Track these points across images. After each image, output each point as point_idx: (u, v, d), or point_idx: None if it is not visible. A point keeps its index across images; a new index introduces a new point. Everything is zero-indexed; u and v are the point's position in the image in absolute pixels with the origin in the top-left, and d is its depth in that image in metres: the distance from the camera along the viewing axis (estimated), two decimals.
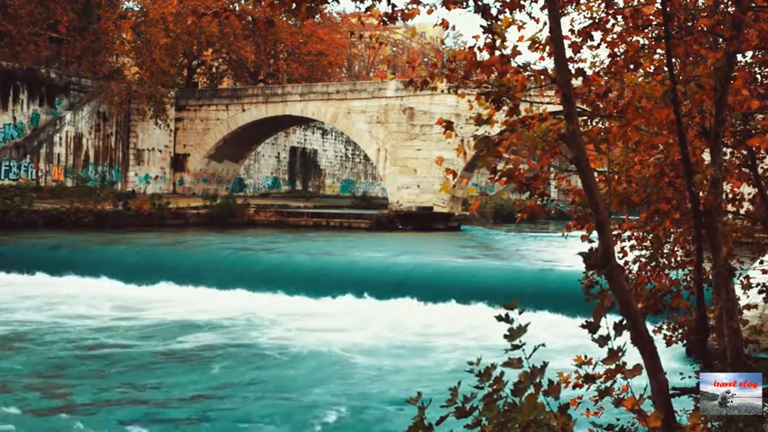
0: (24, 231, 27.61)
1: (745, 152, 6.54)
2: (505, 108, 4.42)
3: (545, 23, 3.90)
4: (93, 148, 39.90)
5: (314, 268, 20.64)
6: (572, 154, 3.58)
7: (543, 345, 3.26)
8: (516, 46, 4.26)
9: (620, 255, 6.92)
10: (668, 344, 7.02)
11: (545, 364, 3.06)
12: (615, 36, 5.55)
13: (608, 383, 3.58)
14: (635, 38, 5.50)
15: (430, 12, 4.59)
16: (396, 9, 4.26)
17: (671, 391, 3.75)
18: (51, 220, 30.31)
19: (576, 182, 5.00)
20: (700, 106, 4.92)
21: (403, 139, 38.68)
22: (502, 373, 3.10)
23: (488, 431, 3.02)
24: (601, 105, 5.22)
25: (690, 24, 5.07)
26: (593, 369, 3.58)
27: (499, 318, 3.17)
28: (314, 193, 58.19)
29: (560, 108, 3.60)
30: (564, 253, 24.62)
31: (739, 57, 5.64)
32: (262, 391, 11.30)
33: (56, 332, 14.75)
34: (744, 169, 6.72)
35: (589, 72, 5.30)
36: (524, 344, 3.14)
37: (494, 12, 4.18)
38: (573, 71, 4.53)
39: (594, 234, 4.52)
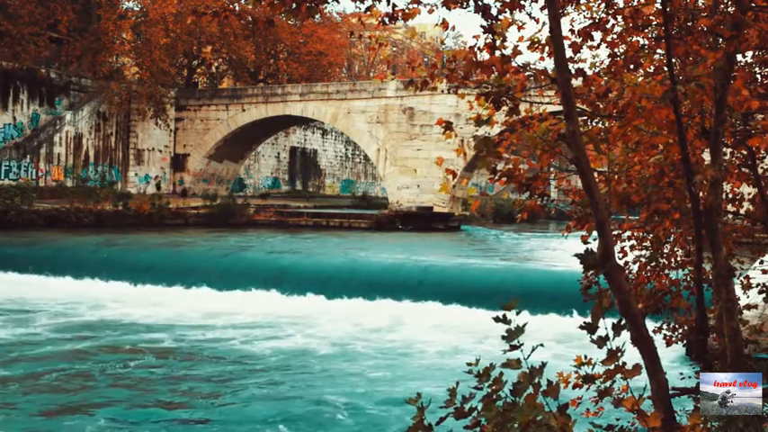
0: (25, 231, 27.60)
1: (745, 152, 6.54)
2: (505, 108, 4.41)
3: (545, 23, 3.90)
4: (93, 148, 39.88)
5: (315, 269, 20.65)
6: (572, 154, 3.58)
7: (542, 345, 3.25)
8: (516, 46, 4.25)
9: (620, 255, 6.91)
10: (668, 344, 7.02)
11: (544, 365, 3.06)
12: (615, 36, 5.54)
13: (608, 384, 3.57)
14: (635, 38, 5.49)
15: (431, 11, 4.58)
16: (396, 9, 4.26)
17: (671, 392, 3.74)
18: (51, 220, 30.32)
19: (576, 182, 5.00)
20: (700, 106, 4.92)
21: (403, 139, 38.68)
22: (501, 374, 3.10)
23: (488, 431, 3.02)
24: (601, 105, 5.21)
25: (690, 24, 5.06)
26: (593, 369, 3.58)
27: (497, 319, 3.16)
28: (314, 193, 58.19)
29: (560, 108, 3.59)
30: (564, 253, 24.61)
31: (739, 57, 5.63)
32: (260, 391, 11.30)
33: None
34: (744, 169, 6.72)
35: (589, 72, 5.29)
36: (523, 344, 3.14)
37: (494, 12, 4.18)
38: (573, 71, 4.52)
39: (593, 235, 4.51)
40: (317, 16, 6.77)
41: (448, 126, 4.46)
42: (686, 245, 6.92)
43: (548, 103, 5.48)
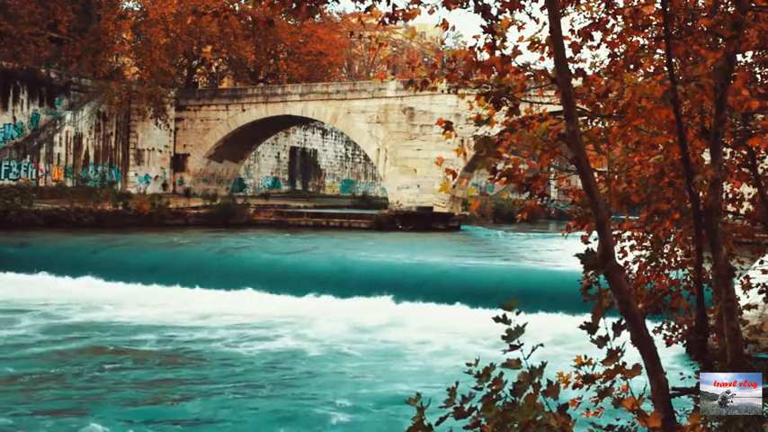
0: (25, 231, 27.60)
1: (745, 152, 6.53)
2: (505, 108, 4.41)
3: (545, 23, 3.90)
4: (93, 148, 39.88)
5: (314, 269, 20.65)
6: (572, 154, 3.58)
7: (542, 345, 3.25)
8: (516, 46, 4.25)
9: (620, 255, 6.91)
10: (668, 344, 7.02)
11: (543, 365, 3.06)
12: (615, 36, 5.54)
13: (608, 384, 3.57)
14: (635, 38, 5.49)
15: (431, 12, 4.58)
16: (396, 9, 4.25)
17: (671, 392, 3.74)
18: (51, 220, 30.33)
19: (576, 182, 5.00)
20: (700, 106, 4.91)
21: (403, 139, 38.68)
22: (501, 374, 3.10)
23: (488, 431, 3.02)
24: (601, 105, 5.21)
25: (690, 24, 5.06)
26: (593, 369, 3.58)
27: (497, 319, 3.16)
28: (314, 193, 58.18)
29: (560, 108, 3.59)
30: (564, 253, 24.61)
31: (739, 57, 5.63)
32: (261, 392, 11.30)
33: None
34: (744, 169, 6.72)
35: (589, 72, 5.29)
36: (523, 344, 3.13)
37: (494, 12, 4.18)
38: (573, 71, 4.52)
39: (593, 235, 4.51)
40: (316, 16, 6.77)
41: (448, 126, 4.46)
42: (686, 245, 6.92)
43: (548, 103, 5.48)
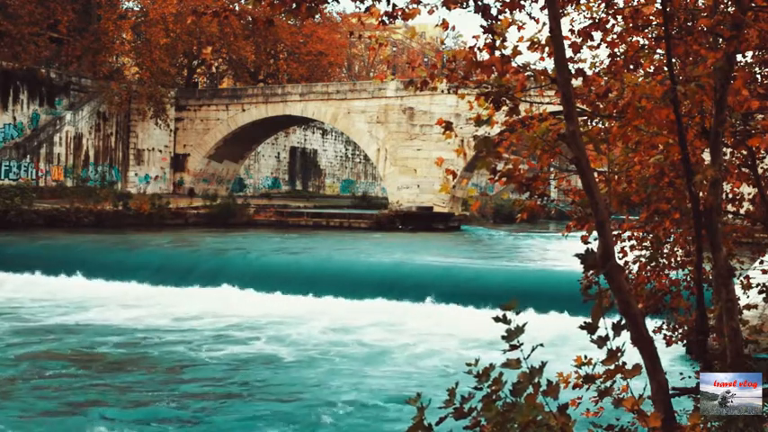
0: (25, 231, 27.58)
1: (745, 152, 6.53)
2: (505, 108, 4.41)
3: (545, 23, 3.90)
4: (93, 148, 39.88)
5: (313, 269, 20.65)
6: (572, 154, 3.57)
7: (542, 345, 3.25)
8: (516, 46, 4.25)
9: (620, 255, 6.91)
10: (668, 344, 7.02)
11: (543, 364, 3.05)
12: (615, 36, 5.54)
13: (608, 384, 3.57)
14: (635, 38, 5.49)
15: (431, 12, 4.58)
16: (396, 8, 4.25)
17: (671, 392, 3.74)
18: (51, 220, 30.34)
19: (576, 182, 5.00)
20: (700, 106, 4.91)
21: (403, 139, 38.68)
22: (500, 374, 3.09)
23: (487, 431, 3.01)
24: (601, 105, 5.21)
25: (690, 24, 5.06)
26: (593, 369, 3.58)
27: (497, 319, 3.16)
28: (314, 193, 58.18)
29: (560, 108, 3.59)
30: (564, 253, 24.60)
31: (739, 57, 5.63)
32: (261, 392, 11.30)
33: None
34: (744, 169, 6.72)
35: (589, 72, 5.29)
36: (522, 344, 3.13)
37: (494, 12, 4.18)
38: (573, 71, 4.52)
39: (593, 235, 4.51)
40: (316, 16, 6.78)
41: (448, 126, 4.46)
42: (686, 245, 6.92)
43: (548, 103, 5.47)
